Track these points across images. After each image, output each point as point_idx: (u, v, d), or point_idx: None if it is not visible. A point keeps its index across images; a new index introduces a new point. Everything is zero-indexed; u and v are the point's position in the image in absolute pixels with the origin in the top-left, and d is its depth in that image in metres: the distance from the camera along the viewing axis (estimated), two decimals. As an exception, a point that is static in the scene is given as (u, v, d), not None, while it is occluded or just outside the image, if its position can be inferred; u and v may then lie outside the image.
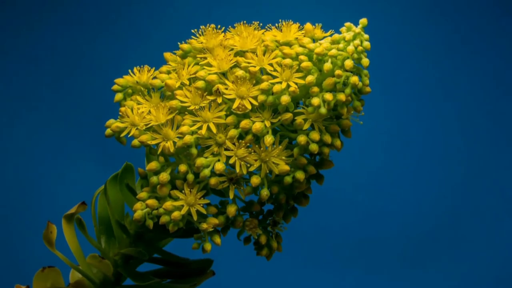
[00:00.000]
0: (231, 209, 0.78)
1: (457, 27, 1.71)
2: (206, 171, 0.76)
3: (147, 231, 0.79)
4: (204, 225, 0.78)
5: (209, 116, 0.77)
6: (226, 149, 0.76)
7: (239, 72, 0.77)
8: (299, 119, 0.76)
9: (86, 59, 1.65)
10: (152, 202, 0.77)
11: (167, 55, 0.84)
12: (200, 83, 0.78)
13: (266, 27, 0.83)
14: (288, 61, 0.77)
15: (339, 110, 0.78)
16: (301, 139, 0.76)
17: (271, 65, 0.78)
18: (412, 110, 1.69)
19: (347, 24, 0.79)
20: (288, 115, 0.76)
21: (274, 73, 0.77)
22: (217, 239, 0.79)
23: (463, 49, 1.70)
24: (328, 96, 0.75)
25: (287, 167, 0.76)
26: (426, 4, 1.70)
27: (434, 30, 1.70)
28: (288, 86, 0.76)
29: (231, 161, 0.76)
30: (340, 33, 0.79)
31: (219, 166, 0.75)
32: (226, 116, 0.77)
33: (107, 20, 1.67)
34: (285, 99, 0.75)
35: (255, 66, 0.77)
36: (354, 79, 0.76)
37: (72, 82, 1.65)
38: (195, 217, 0.77)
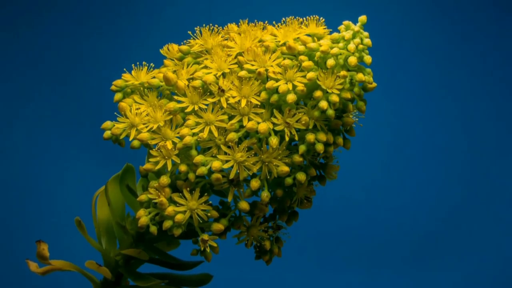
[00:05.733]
0: (244, 205, 0.78)
1: (459, 25, 1.71)
2: (204, 169, 0.75)
3: (148, 232, 0.79)
4: (206, 237, 0.77)
5: (212, 118, 0.76)
6: (225, 153, 0.76)
7: (242, 73, 0.77)
8: (305, 118, 0.76)
9: (85, 58, 1.65)
10: (164, 200, 0.77)
11: (172, 47, 0.84)
12: (197, 82, 0.78)
13: (265, 25, 0.83)
14: (287, 61, 0.77)
15: (343, 108, 0.78)
16: (310, 137, 0.76)
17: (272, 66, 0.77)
18: (414, 110, 1.69)
19: (346, 22, 0.78)
20: (301, 116, 0.76)
21: (278, 76, 0.76)
22: (216, 249, 0.78)
23: (466, 48, 1.70)
24: (335, 98, 0.75)
25: (287, 168, 0.76)
26: (427, 2, 1.70)
27: (435, 28, 1.70)
28: (294, 86, 0.75)
29: (228, 165, 0.75)
30: (339, 31, 0.79)
31: (217, 164, 0.75)
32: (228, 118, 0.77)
33: (107, 19, 1.66)
34: (291, 97, 0.75)
35: (257, 67, 0.77)
36: (360, 76, 0.76)
37: (72, 82, 1.65)
38: (196, 223, 0.77)
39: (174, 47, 0.84)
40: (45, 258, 0.83)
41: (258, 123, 0.75)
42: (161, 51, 0.85)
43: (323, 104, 0.75)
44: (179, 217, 0.76)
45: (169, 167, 0.76)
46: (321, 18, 0.81)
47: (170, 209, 0.76)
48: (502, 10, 1.71)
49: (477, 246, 1.64)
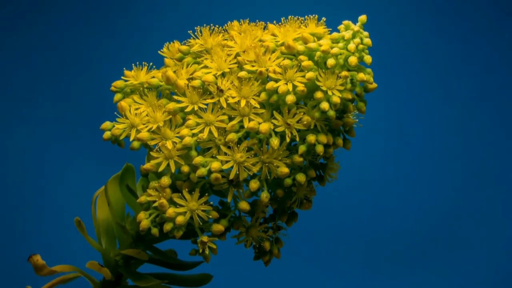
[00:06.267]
0: (244, 205, 0.78)
1: (459, 26, 1.70)
2: (203, 170, 0.75)
3: (148, 232, 0.79)
4: (205, 239, 0.77)
5: (212, 118, 0.76)
6: (225, 154, 0.76)
7: (242, 73, 0.77)
8: (306, 118, 0.76)
9: (86, 58, 1.65)
10: (165, 201, 0.76)
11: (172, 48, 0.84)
12: (197, 82, 0.78)
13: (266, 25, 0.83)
14: (287, 61, 0.77)
15: (344, 108, 0.78)
16: (311, 138, 0.76)
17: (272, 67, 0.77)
18: (413, 111, 1.69)
19: (345, 22, 0.78)
20: (306, 117, 0.76)
21: (278, 76, 0.76)
22: (215, 250, 0.78)
23: (466, 48, 1.70)
24: (336, 99, 0.75)
25: (286, 169, 0.76)
26: (426, 3, 1.70)
27: (434, 30, 1.70)
28: (294, 86, 0.75)
29: (227, 166, 0.75)
30: (338, 31, 0.79)
31: (216, 165, 0.75)
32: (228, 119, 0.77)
33: (107, 18, 1.66)
34: (290, 98, 0.75)
35: (257, 68, 0.77)
36: (361, 75, 0.76)
37: (72, 82, 1.65)
38: (196, 224, 0.77)
39: (176, 44, 0.84)
40: (43, 267, 0.82)
41: (260, 123, 0.75)
42: (160, 52, 0.85)
43: (325, 105, 0.75)
44: (179, 219, 0.76)
45: (173, 168, 0.76)
46: (322, 17, 0.81)
47: (171, 211, 0.76)
48: (502, 10, 1.70)
49: (475, 246, 1.64)
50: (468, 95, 1.70)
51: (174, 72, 0.80)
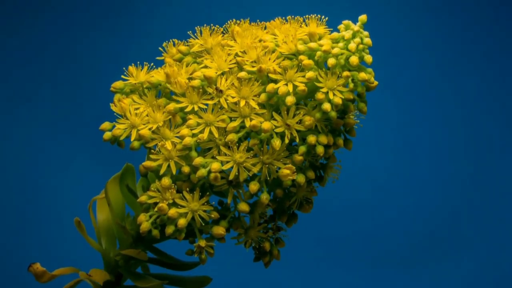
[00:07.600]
0: (243, 207, 0.77)
1: (458, 25, 1.70)
2: (203, 171, 0.75)
3: (149, 233, 0.79)
4: (202, 243, 0.77)
5: (212, 118, 0.76)
6: (224, 154, 0.75)
7: (242, 74, 0.77)
8: (308, 119, 0.75)
9: (86, 58, 1.65)
10: (164, 205, 0.76)
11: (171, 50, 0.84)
12: (196, 82, 0.77)
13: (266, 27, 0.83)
14: (287, 62, 0.77)
15: (344, 109, 0.77)
16: (311, 139, 0.75)
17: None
18: (415, 111, 1.69)
19: (345, 22, 0.78)
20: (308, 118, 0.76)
21: (278, 76, 0.76)
22: (212, 254, 0.78)
23: (465, 49, 1.70)
24: (337, 100, 0.75)
25: (287, 172, 0.76)
26: (426, 2, 1.70)
27: (434, 29, 1.70)
28: (294, 86, 0.75)
29: (227, 166, 0.75)
30: (338, 31, 0.78)
31: (216, 166, 0.75)
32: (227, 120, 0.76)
33: (107, 18, 1.66)
34: (290, 99, 0.75)
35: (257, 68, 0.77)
36: (362, 75, 0.76)
37: (72, 82, 1.65)
38: (198, 225, 0.76)
39: (180, 46, 0.84)
40: (44, 273, 0.81)
41: (261, 122, 0.75)
42: (159, 58, 0.85)
43: (327, 106, 0.75)
44: (181, 222, 0.75)
45: (174, 169, 0.76)
46: (323, 17, 0.81)
47: (173, 211, 0.76)
48: (504, 8, 1.70)
49: (476, 246, 1.64)
50: (469, 95, 1.70)
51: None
